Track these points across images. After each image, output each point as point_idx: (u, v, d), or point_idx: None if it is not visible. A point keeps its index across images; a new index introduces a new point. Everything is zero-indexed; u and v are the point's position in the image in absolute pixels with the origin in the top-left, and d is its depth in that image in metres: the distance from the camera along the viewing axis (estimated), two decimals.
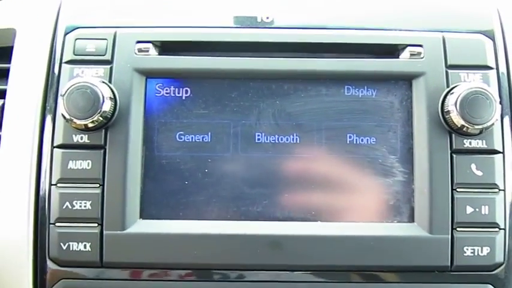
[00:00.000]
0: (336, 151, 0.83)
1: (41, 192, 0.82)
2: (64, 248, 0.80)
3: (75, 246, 0.80)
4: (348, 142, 0.83)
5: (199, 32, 0.86)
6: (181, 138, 0.83)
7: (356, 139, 0.83)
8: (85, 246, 0.80)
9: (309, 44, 0.86)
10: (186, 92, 0.84)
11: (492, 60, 0.85)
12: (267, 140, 0.83)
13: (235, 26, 0.87)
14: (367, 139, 0.83)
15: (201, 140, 0.83)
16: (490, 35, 0.87)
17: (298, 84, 0.84)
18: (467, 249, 0.80)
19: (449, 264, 0.81)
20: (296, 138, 0.83)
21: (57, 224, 0.81)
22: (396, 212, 0.82)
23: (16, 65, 0.87)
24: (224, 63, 0.84)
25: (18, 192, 0.82)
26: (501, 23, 0.88)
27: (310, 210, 0.82)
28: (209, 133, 0.83)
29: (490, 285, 0.82)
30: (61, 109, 0.79)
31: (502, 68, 0.85)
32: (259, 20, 0.87)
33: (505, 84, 0.85)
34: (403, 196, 0.82)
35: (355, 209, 0.83)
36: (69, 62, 0.84)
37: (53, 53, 0.86)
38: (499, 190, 0.81)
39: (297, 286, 0.81)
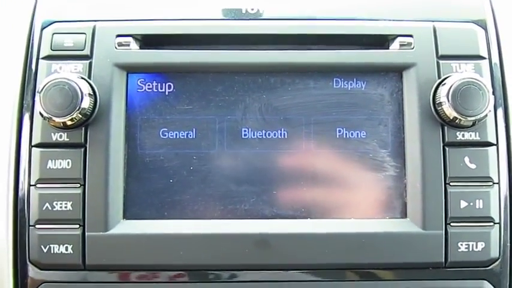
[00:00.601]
0: (325, 146, 0.81)
1: (20, 193, 0.79)
2: (45, 250, 0.77)
3: (56, 248, 0.77)
4: (337, 136, 0.81)
5: (181, 25, 0.83)
6: (165, 135, 0.81)
7: (346, 133, 0.81)
8: (66, 249, 0.77)
9: (296, 35, 0.83)
10: (169, 87, 0.81)
11: (484, 49, 0.83)
12: (253, 135, 0.81)
13: (219, 18, 0.84)
14: (357, 133, 0.81)
15: (185, 136, 0.81)
16: (482, 24, 0.84)
17: (285, 78, 0.81)
18: (461, 244, 0.78)
19: (443, 260, 0.78)
20: (284, 133, 0.81)
21: (37, 226, 0.78)
22: (388, 207, 0.80)
23: None
24: (208, 56, 0.81)
25: None
26: (493, 12, 0.86)
27: (300, 208, 0.80)
28: (194, 129, 0.81)
29: (486, 281, 0.79)
30: (38, 107, 0.76)
31: (495, 58, 0.83)
32: (244, 11, 0.85)
33: (497, 75, 0.83)
34: (395, 191, 0.80)
35: (346, 205, 0.80)
36: (47, 57, 0.81)
37: (30, 48, 0.83)
38: (493, 183, 0.79)
39: (287, 286, 0.79)
